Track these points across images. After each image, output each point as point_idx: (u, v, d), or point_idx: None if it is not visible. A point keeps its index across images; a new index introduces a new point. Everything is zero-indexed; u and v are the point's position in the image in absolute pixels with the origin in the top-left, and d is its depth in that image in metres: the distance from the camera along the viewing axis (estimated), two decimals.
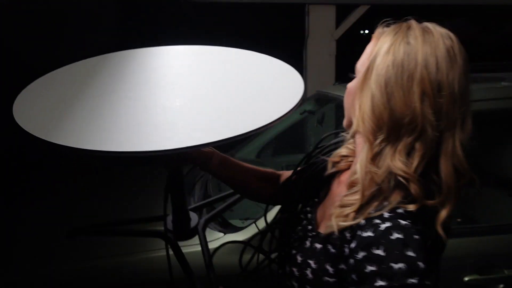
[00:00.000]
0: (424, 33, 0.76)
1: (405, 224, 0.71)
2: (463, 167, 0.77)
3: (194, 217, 1.16)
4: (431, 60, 0.73)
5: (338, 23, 5.15)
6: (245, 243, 1.10)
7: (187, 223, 1.13)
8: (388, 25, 0.83)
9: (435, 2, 5.74)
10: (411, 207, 0.72)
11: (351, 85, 0.85)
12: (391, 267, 0.68)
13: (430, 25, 0.79)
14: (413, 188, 0.72)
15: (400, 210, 0.73)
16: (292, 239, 0.92)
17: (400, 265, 0.68)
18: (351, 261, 0.73)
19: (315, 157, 1.04)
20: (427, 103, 0.73)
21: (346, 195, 0.79)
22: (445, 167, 0.75)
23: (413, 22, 0.79)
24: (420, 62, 0.73)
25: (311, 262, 0.81)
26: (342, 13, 5.21)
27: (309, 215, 0.92)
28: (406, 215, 0.72)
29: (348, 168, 0.91)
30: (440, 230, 0.74)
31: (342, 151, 0.94)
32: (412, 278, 0.67)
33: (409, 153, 0.74)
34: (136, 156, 0.77)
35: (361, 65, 0.83)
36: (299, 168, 1.05)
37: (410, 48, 0.75)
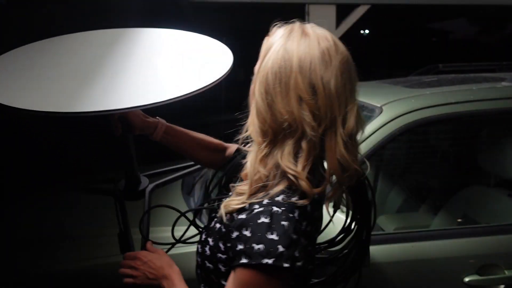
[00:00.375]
0: (302, 36, 0.82)
1: (276, 211, 0.79)
2: (346, 162, 0.81)
3: (144, 181, 1.34)
4: (305, 64, 0.79)
5: (338, 23, 5.14)
6: (181, 213, 1.11)
7: (135, 186, 1.31)
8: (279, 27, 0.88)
9: (435, 2, 5.74)
10: (293, 198, 0.80)
11: (251, 88, 0.90)
12: (253, 247, 0.77)
13: (309, 26, 0.84)
14: (302, 184, 0.80)
15: (278, 199, 0.81)
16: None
17: (260, 246, 0.76)
18: (231, 237, 0.82)
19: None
20: (305, 106, 0.79)
21: (239, 185, 0.88)
22: (330, 162, 0.82)
23: (295, 25, 0.85)
24: (295, 67, 0.79)
25: (210, 239, 0.90)
26: (342, 13, 5.20)
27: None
28: (283, 203, 0.80)
29: None
30: (328, 210, 0.88)
31: None
32: (267, 258, 0.75)
33: (296, 153, 0.81)
34: (69, 117, 0.94)
35: (256, 69, 0.88)
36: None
37: (287, 53, 0.80)
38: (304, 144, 0.80)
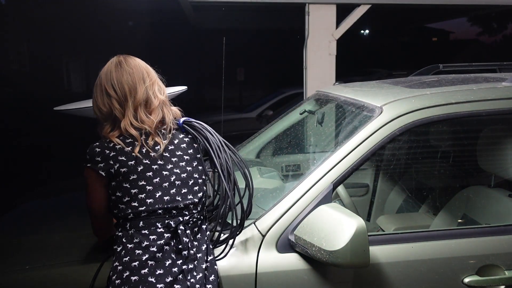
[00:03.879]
0: (109, 62, 1.54)
1: (94, 144, 1.46)
2: (129, 126, 1.46)
3: None
4: (107, 75, 1.50)
5: (338, 23, 5.14)
6: None
7: None
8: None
9: (435, 2, 5.73)
10: (109, 135, 1.48)
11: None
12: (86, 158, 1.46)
13: (120, 58, 1.54)
14: (114, 140, 1.46)
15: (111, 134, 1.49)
16: None
17: (87, 156, 1.46)
18: None
19: None
20: (112, 98, 1.47)
21: None
22: (124, 126, 1.46)
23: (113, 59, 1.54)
24: (102, 78, 1.50)
25: None
26: (342, 13, 5.20)
27: None
28: (100, 142, 1.47)
29: None
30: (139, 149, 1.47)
31: None
32: (87, 163, 1.45)
33: (113, 124, 1.49)
34: None
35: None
36: None
37: (100, 73, 1.52)
38: (116, 120, 1.47)
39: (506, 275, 1.58)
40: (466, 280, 1.56)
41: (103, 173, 1.42)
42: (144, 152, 1.45)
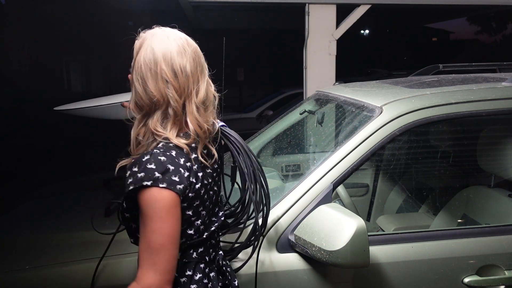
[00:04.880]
0: (163, 38, 1.14)
1: (155, 151, 1.09)
2: (199, 121, 1.15)
3: None
4: (167, 56, 1.12)
5: (338, 23, 5.14)
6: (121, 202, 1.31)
7: None
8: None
9: (435, 2, 5.73)
10: (171, 145, 1.13)
11: (129, 77, 1.20)
12: (137, 176, 1.06)
13: (168, 30, 1.17)
14: (173, 141, 1.13)
15: (159, 145, 1.13)
16: None
17: (142, 173, 1.05)
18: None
19: None
20: (170, 86, 1.12)
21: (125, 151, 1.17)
22: (190, 122, 1.15)
23: (157, 30, 1.17)
24: (159, 59, 1.11)
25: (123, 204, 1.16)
26: (342, 13, 5.20)
27: None
28: (161, 147, 1.12)
29: None
30: (200, 156, 1.17)
31: None
32: (147, 181, 1.05)
33: (164, 119, 1.14)
34: None
35: (132, 64, 1.17)
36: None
37: (153, 50, 1.12)
38: (170, 112, 1.13)
39: (506, 275, 1.58)
40: (466, 280, 1.56)
41: (181, 197, 1.09)
42: (201, 165, 1.18)
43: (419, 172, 2.46)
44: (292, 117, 2.65)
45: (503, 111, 1.73)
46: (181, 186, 1.07)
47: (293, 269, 1.52)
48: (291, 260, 1.54)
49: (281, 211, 1.58)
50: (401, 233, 1.68)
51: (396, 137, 1.66)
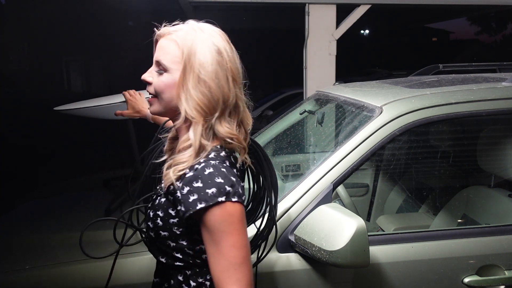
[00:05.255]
0: (215, 33, 1.07)
1: (214, 163, 1.01)
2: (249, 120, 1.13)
3: None
4: (231, 55, 1.06)
5: (338, 23, 5.14)
6: (117, 220, 1.21)
7: None
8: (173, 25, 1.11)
9: (435, 2, 5.73)
10: (222, 154, 1.05)
11: (167, 80, 1.07)
12: (207, 192, 0.97)
13: (205, 25, 1.09)
14: (237, 141, 1.07)
15: (211, 156, 1.04)
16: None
17: (213, 189, 0.97)
18: (180, 198, 1.01)
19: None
20: (237, 86, 1.07)
21: (178, 157, 1.05)
22: (247, 118, 1.12)
23: (195, 25, 1.08)
24: (228, 60, 1.05)
25: (159, 212, 1.09)
26: (342, 13, 5.20)
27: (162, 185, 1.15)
28: (215, 157, 1.03)
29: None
30: (246, 160, 1.11)
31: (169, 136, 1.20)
32: (221, 197, 0.97)
33: (228, 121, 1.07)
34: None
35: (171, 62, 1.06)
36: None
37: (216, 48, 1.04)
38: (234, 112, 1.07)
39: (506, 275, 1.58)
40: (466, 280, 1.56)
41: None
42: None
43: (419, 172, 2.46)
44: (292, 117, 2.65)
45: (503, 111, 1.73)
46: (244, 197, 1.04)
47: (293, 269, 1.52)
48: (291, 260, 1.54)
49: (281, 211, 1.58)
50: (401, 233, 1.68)
51: (396, 137, 1.66)
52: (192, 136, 1.05)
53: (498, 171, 1.99)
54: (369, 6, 5.17)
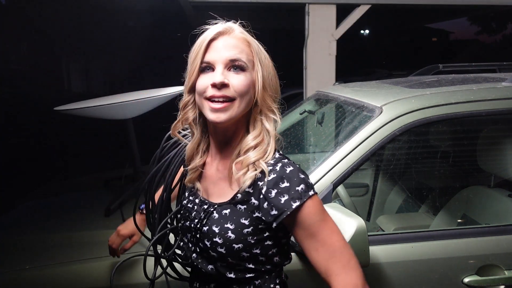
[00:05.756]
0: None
1: (286, 161, 1.03)
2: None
3: None
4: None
5: (338, 23, 5.14)
6: (145, 255, 1.24)
7: None
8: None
9: (435, 2, 5.73)
10: (277, 153, 1.07)
11: (247, 78, 1.03)
12: (297, 190, 0.98)
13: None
14: (280, 140, 1.11)
15: (276, 155, 1.05)
16: (189, 226, 1.12)
17: (302, 186, 0.99)
18: (265, 203, 1.00)
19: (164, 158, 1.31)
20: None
21: (250, 154, 1.03)
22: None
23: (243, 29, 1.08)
24: (271, 66, 1.09)
25: (228, 225, 1.03)
26: (342, 13, 5.20)
27: (196, 201, 1.13)
28: (281, 156, 1.05)
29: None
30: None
31: (191, 147, 1.14)
32: (309, 191, 0.99)
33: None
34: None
35: (247, 60, 1.03)
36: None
37: (268, 60, 1.08)
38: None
39: (506, 275, 1.58)
40: (466, 280, 1.56)
41: None
42: None
43: (419, 172, 2.46)
44: (292, 117, 2.65)
45: (503, 111, 1.74)
46: None
47: (293, 269, 1.52)
48: (292, 260, 1.54)
49: None
50: (401, 233, 1.68)
51: (396, 137, 1.66)
52: (271, 129, 1.07)
53: (498, 171, 1.99)
54: (369, 6, 5.17)
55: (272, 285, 1.09)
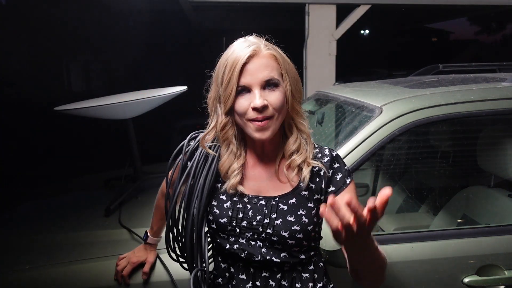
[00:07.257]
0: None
1: (325, 147, 1.23)
2: None
3: None
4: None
5: (338, 23, 5.14)
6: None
7: None
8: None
9: (435, 2, 5.73)
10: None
11: (282, 94, 1.11)
12: (346, 169, 1.20)
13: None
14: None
15: (316, 145, 1.23)
16: (251, 225, 1.15)
17: (347, 166, 1.21)
18: (323, 184, 1.16)
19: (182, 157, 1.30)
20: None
21: (297, 156, 1.16)
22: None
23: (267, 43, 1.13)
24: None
25: (300, 211, 1.13)
26: (342, 13, 5.20)
27: (245, 200, 1.17)
28: (318, 144, 1.24)
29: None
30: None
31: (229, 159, 1.19)
32: (350, 171, 1.21)
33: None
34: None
35: (278, 75, 1.10)
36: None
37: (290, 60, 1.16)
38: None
39: (506, 275, 1.58)
40: (466, 280, 1.56)
41: None
42: None
43: (419, 172, 2.46)
44: None
45: (503, 111, 1.74)
46: None
47: None
48: None
49: None
50: (401, 233, 1.68)
51: (396, 137, 1.66)
52: (306, 130, 1.21)
53: (498, 171, 1.99)
54: (369, 6, 5.17)
55: (322, 259, 1.25)
